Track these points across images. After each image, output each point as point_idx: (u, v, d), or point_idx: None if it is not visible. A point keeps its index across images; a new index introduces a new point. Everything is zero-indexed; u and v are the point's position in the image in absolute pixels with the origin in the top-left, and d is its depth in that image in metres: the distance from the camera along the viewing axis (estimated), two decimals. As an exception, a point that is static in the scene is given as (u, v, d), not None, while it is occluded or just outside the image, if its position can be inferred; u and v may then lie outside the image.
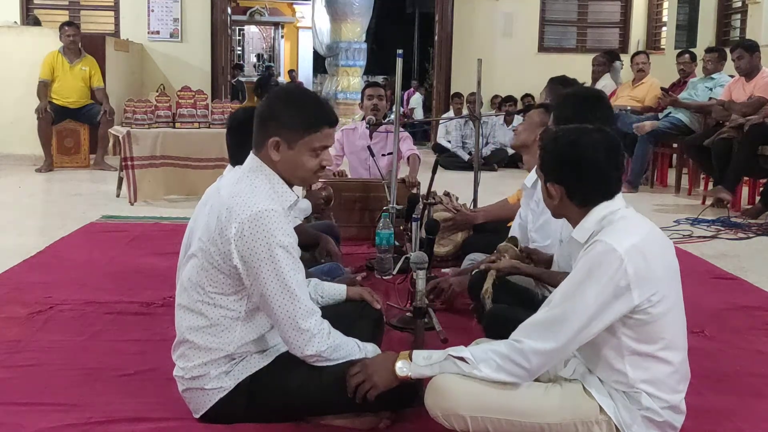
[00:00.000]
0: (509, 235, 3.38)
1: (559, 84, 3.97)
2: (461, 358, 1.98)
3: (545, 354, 1.92)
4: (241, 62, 19.68)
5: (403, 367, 2.04)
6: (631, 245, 1.90)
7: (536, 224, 3.08)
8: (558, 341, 1.91)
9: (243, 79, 16.96)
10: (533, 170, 3.16)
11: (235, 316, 2.16)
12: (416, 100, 15.77)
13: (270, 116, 2.16)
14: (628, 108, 7.84)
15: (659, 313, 1.92)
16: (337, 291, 2.52)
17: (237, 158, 2.43)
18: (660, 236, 2.04)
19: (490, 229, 4.11)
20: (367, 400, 2.09)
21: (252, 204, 2.07)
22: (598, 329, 1.91)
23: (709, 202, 6.52)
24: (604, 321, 1.90)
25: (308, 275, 2.49)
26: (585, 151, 2.00)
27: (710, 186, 6.78)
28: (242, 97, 15.24)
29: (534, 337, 1.92)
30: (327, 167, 2.24)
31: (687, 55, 7.89)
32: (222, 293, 2.14)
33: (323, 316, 2.17)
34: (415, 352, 2.06)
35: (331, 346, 2.13)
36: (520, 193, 3.55)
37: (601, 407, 1.97)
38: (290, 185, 2.21)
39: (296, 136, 2.13)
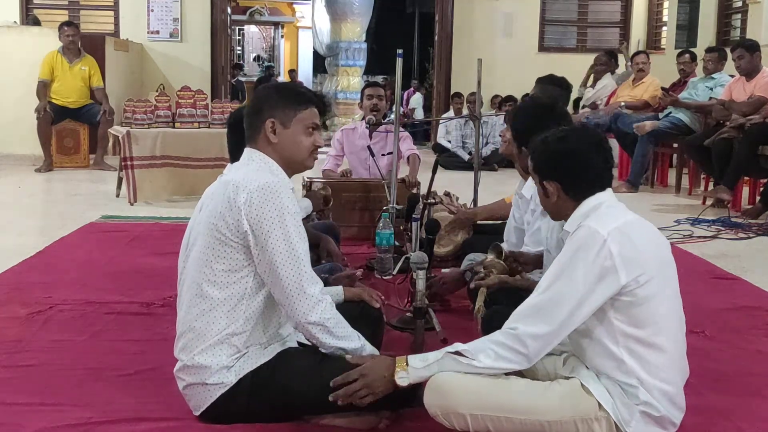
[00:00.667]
0: (505, 239, 3.39)
1: (549, 83, 3.99)
2: (458, 353, 1.99)
3: (541, 338, 1.94)
4: (241, 62, 19.67)
5: (402, 377, 2.04)
6: (613, 227, 1.96)
7: (529, 231, 3.12)
8: (552, 324, 1.94)
9: (243, 79, 16.95)
10: (530, 180, 3.17)
11: (240, 294, 2.18)
12: (416, 100, 15.73)
13: (262, 103, 2.29)
14: (623, 103, 7.84)
15: (647, 296, 1.95)
16: (334, 293, 2.52)
17: (237, 156, 2.44)
18: (646, 224, 2.09)
19: (490, 231, 4.11)
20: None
21: (259, 178, 2.17)
22: (589, 310, 1.94)
23: (709, 202, 6.51)
24: (593, 301, 1.94)
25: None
26: (574, 144, 2.08)
27: (710, 186, 6.77)
28: (242, 96, 15.23)
29: (528, 322, 1.95)
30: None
31: (687, 55, 7.89)
32: (229, 269, 2.17)
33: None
34: (411, 358, 2.07)
35: (334, 317, 2.17)
36: None
37: (600, 404, 1.98)
38: (289, 173, 2.30)
39: (290, 114, 2.26)
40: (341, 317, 2.22)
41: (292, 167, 2.32)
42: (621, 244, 1.93)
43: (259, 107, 2.28)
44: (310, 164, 2.37)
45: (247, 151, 2.30)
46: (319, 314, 2.15)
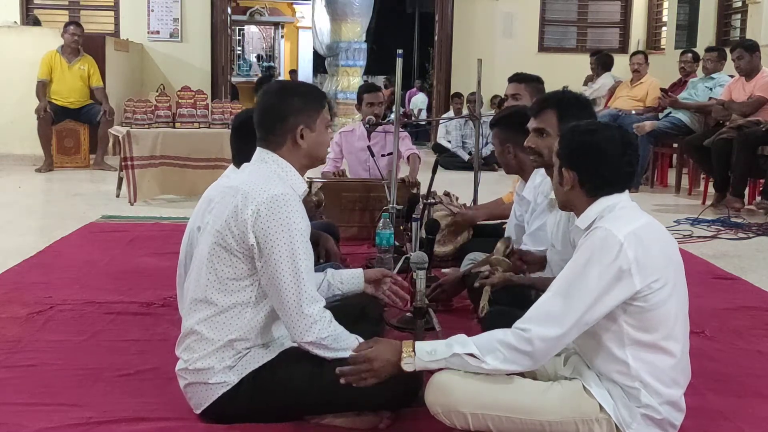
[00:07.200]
0: (505, 236, 3.41)
1: (533, 81, 4.01)
2: (469, 354, 1.98)
3: (551, 340, 1.93)
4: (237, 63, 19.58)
5: (409, 363, 2.02)
6: (629, 231, 1.94)
7: (528, 231, 3.14)
8: (563, 326, 1.92)
9: (235, 80, 16.80)
10: (529, 182, 3.18)
11: (245, 302, 2.18)
12: (421, 100, 15.55)
13: (285, 110, 2.23)
14: (633, 112, 7.84)
15: (660, 301, 1.94)
16: (356, 275, 2.57)
17: (240, 160, 2.44)
18: (660, 228, 2.07)
19: (490, 232, 4.11)
20: (366, 392, 2.10)
21: (268, 188, 2.13)
22: (600, 313, 1.93)
23: (709, 202, 6.52)
24: (606, 305, 1.92)
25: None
26: (602, 141, 2.04)
27: (710, 186, 6.78)
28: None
29: (539, 324, 1.94)
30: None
31: (690, 55, 7.91)
32: (235, 278, 2.16)
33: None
34: (418, 346, 2.05)
35: (331, 334, 2.15)
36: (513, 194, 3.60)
37: (601, 405, 1.98)
38: (305, 171, 2.29)
39: (314, 116, 2.25)
40: (340, 331, 2.18)
41: (310, 165, 2.33)
42: (637, 249, 1.92)
43: (284, 114, 2.22)
44: (325, 158, 2.40)
45: (260, 152, 2.26)
46: (316, 334, 2.13)
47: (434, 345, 2.05)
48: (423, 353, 2.03)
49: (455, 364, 2.00)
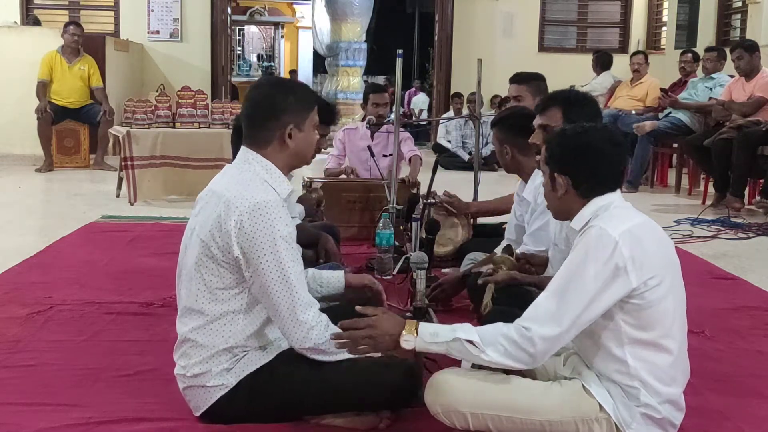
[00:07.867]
0: (505, 236, 3.42)
1: (534, 80, 4.01)
2: (470, 341, 1.97)
3: (551, 339, 1.93)
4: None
5: (408, 340, 2.01)
6: (624, 230, 1.95)
7: (529, 231, 3.14)
8: (561, 325, 1.93)
9: (236, 80, 16.79)
10: (530, 182, 3.19)
11: (236, 309, 2.17)
12: (422, 100, 15.48)
13: (279, 108, 2.19)
14: (633, 112, 7.85)
15: (657, 299, 1.95)
16: (336, 278, 2.53)
17: None
18: (655, 227, 2.07)
19: (490, 233, 4.11)
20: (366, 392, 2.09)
21: (249, 196, 2.09)
22: (597, 312, 1.93)
23: (709, 202, 6.52)
24: (603, 303, 1.93)
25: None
26: (593, 141, 2.05)
27: (710, 186, 6.78)
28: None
29: (539, 323, 1.93)
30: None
31: (690, 55, 7.92)
32: (223, 287, 2.15)
33: (322, 316, 2.17)
34: (422, 326, 2.03)
35: (329, 339, 2.14)
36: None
37: (600, 405, 1.98)
38: (289, 171, 2.27)
39: (304, 116, 2.22)
40: (336, 332, 2.17)
41: (295, 166, 2.31)
42: (632, 247, 1.92)
43: (276, 110, 2.19)
44: (311, 161, 2.38)
45: (244, 152, 2.22)
46: (314, 340, 2.12)
47: (437, 327, 2.03)
48: (426, 334, 2.00)
49: (455, 349, 1.98)
